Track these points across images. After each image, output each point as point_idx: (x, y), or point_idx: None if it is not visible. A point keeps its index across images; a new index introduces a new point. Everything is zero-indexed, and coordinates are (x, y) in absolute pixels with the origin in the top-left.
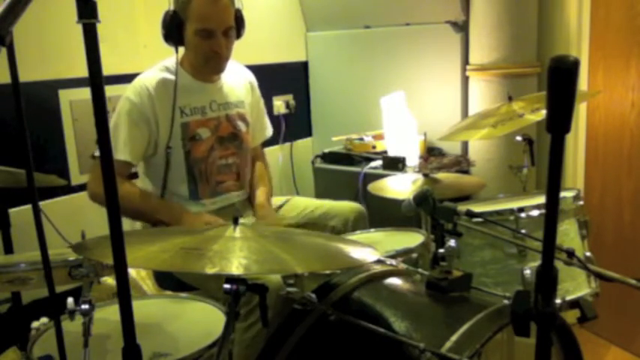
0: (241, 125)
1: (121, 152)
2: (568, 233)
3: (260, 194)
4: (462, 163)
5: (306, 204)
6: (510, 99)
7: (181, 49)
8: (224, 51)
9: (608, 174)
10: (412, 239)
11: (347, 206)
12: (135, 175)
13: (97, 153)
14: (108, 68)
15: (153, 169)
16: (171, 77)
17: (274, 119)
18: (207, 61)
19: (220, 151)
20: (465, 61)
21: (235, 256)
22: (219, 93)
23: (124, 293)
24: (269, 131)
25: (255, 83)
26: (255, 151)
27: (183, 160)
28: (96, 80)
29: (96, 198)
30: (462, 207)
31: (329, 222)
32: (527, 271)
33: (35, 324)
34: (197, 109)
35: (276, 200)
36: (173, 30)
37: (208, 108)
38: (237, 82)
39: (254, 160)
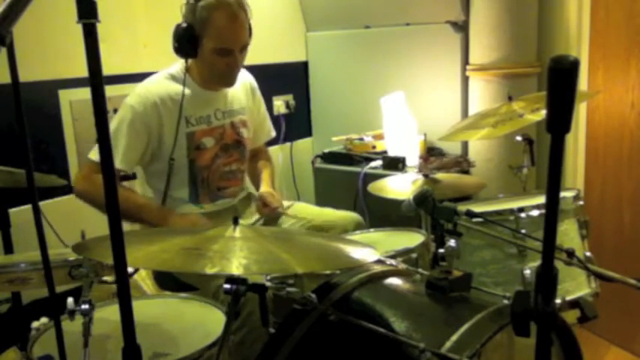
0: (244, 131)
1: (118, 160)
2: (568, 233)
3: (265, 177)
4: (462, 164)
5: (307, 212)
6: (510, 99)
7: None
8: (239, 67)
9: (608, 174)
10: (412, 239)
11: (347, 217)
12: (133, 177)
13: (91, 156)
14: (108, 68)
15: (154, 176)
16: (178, 86)
17: (274, 119)
18: (221, 77)
19: (224, 158)
20: (465, 61)
21: (235, 256)
22: (223, 101)
23: (124, 293)
24: (272, 132)
25: (256, 86)
26: (258, 150)
27: (186, 168)
28: (96, 80)
29: (80, 195)
30: (462, 207)
31: (328, 232)
32: (527, 271)
33: (35, 324)
34: (203, 118)
35: None
36: (186, 43)
37: (213, 117)
38: (238, 87)
39: (257, 156)
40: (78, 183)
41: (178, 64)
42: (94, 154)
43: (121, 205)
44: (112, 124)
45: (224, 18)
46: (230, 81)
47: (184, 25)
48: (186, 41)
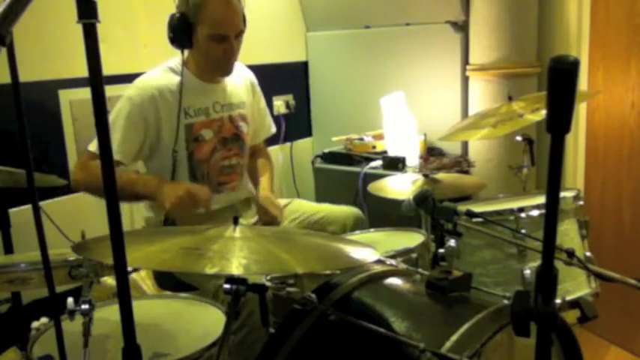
0: (243, 126)
1: (115, 152)
2: (568, 233)
3: (264, 180)
4: (462, 164)
5: (306, 208)
6: (510, 99)
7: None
8: (235, 54)
9: (608, 174)
10: (412, 239)
11: (345, 211)
12: None
13: (89, 147)
14: (108, 68)
15: (155, 172)
16: (176, 79)
17: (274, 119)
18: (218, 64)
19: (223, 152)
20: (465, 61)
21: (235, 256)
22: (222, 94)
23: (124, 293)
24: (273, 128)
25: (256, 82)
26: (257, 147)
27: (186, 162)
28: (96, 80)
29: (77, 184)
30: (462, 207)
31: (327, 227)
32: (527, 271)
33: (35, 324)
34: (201, 110)
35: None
36: (181, 33)
37: (212, 109)
38: (238, 82)
39: (256, 154)
40: (75, 173)
41: (177, 58)
42: (93, 146)
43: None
44: (110, 116)
45: (218, 3)
46: (227, 69)
47: (178, 14)
48: (180, 30)
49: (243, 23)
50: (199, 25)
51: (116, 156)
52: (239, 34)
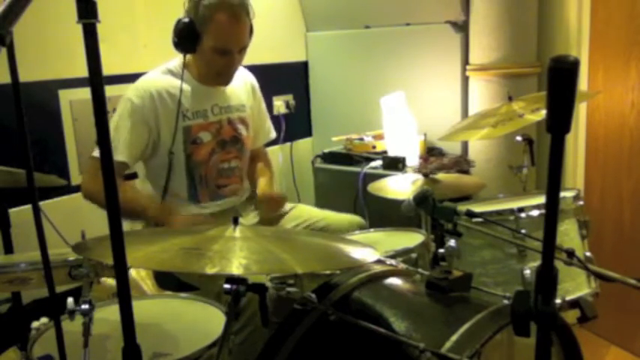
0: (242, 129)
1: (120, 153)
2: (568, 233)
3: (262, 181)
4: (461, 164)
5: (309, 214)
6: (510, 99)
7: None
8: (236, 67)
9: (608, 174)
10: (412, 239)
11: (349, 219)
12: (134, 176)
13: (95, 153)
14: (108, 68)
15: (154, 172)
16: (176, 81)
17: (274, 119)
18: (218, 75)
19: (222, 154)
20: (465, 61)
21: (235, 256)
22: (221, 96)
23: (124, 293)
24: (272, 133)
25: (257, 85)
26: (257, 152)
27: (184, 164)
28: (96, 80)
29: (89, 196)
30: (462, 207)
31: None
32: (527, 271)
33: (35, 324)
34: (199, 112)
35: None
36: (186, 39)
37: (210, 112)
38: (238, 85)
39: (255, 159)
40: (87, 184)
41: (177, 59)
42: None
43: (125, 206)
44: (113, 119)
45: (226, 19)
46: (226, 80)
47: (186, 20)
48: (186, 37)
49: (250, 35)
50: (205, 35)
51: (122, 157)
52: (243, 48)
